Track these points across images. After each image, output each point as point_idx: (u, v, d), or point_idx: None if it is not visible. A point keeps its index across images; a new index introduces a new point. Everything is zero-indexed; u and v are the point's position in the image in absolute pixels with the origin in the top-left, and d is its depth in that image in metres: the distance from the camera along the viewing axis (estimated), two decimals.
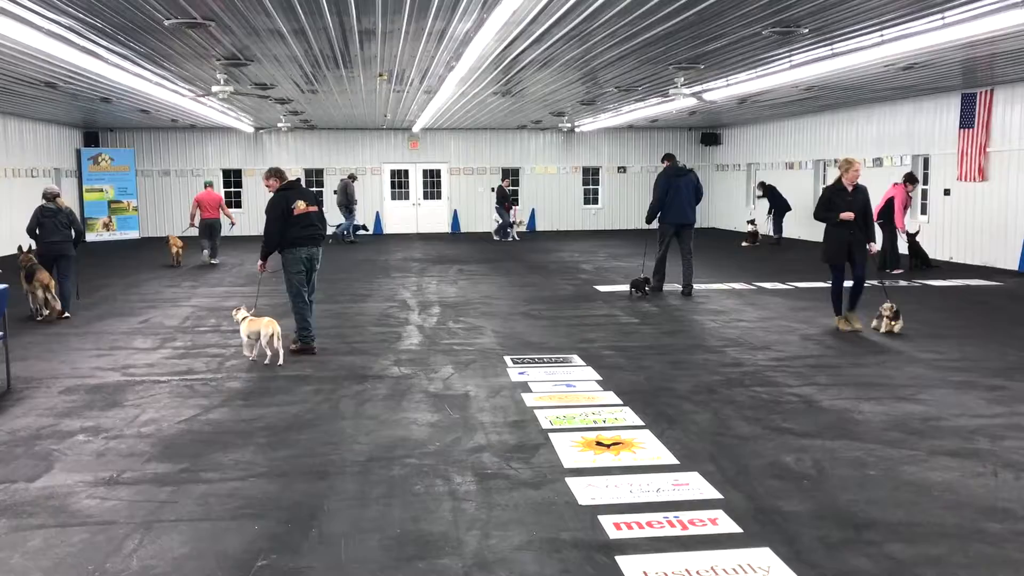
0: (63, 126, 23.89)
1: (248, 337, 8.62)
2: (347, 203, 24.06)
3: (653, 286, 13.33)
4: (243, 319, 8.70)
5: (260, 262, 9.15)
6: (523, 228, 26.67)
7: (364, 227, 26.13)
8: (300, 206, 8.90)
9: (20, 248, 11.83)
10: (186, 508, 4.80)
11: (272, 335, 8.47)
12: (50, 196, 11.53)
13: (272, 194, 9.05)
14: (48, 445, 5.97)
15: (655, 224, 13.35)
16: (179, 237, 19.17)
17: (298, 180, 9.76)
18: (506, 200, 25.04)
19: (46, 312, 11.04)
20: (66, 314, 11.23)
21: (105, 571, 4.03)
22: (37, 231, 11.33)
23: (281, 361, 8.49)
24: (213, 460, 5.63)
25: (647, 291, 13.07)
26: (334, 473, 5.37)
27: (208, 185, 20.23)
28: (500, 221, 25.13)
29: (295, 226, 8.86)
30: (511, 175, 28.31)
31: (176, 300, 13.00)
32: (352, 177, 24.60)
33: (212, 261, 18.51)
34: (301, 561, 4.12)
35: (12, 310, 9.26)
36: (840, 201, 9.77)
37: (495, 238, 24.91)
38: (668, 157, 13.76)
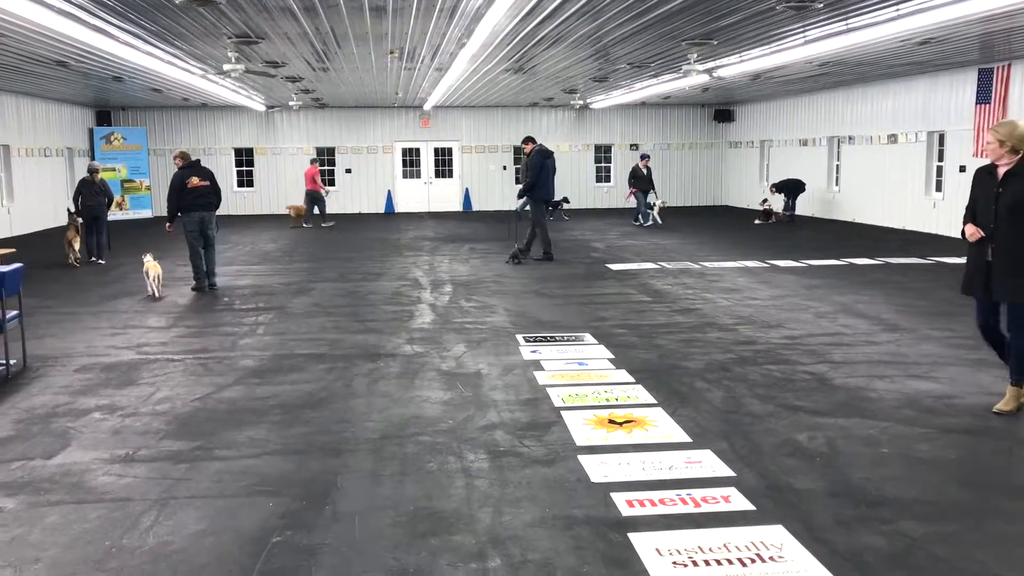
0: (75, 105, 23.92)
1: (145, 275, 11.48)
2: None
3: (547, 252, 14.77)
4: (146, 261, 11.53)
5: (168, 223, 11.95)
6: (665, 205, 23.34)
7: (565, 199, 24.14)
8: (194, 181, 11.58)
9: (68, 211, 15.29)
10: (201, 485, 4.84)
11: (155, 276, 11.34)
12: (90, 171, 15.39)
13: (176, 170, 11.71)
14: (64, 423, 6.02)
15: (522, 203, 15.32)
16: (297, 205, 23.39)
17: (197, 160, 12.18)
18: (639, 180, 21.84)
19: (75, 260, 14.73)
20: (100, 260, 14.91)
21: (122, 547, 4.07)
22: (80, 198, 15.05)
23: (157, 295, 11.28)
24: (227, 438, 5.66)
25: (521, 260, 14.51)
26: (348, 451, 5.39)
27: (313, 162, 23.29)
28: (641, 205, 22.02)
29: (189, 196, 11.55)
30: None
31: (189, 279, 13.02)
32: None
33: (323, 225, 22.24)
34: (315, 538, 4.15)
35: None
36: (981, 193, 6.14)
37: (634, 223, 21.93)
38: (531, 139, 15.12)
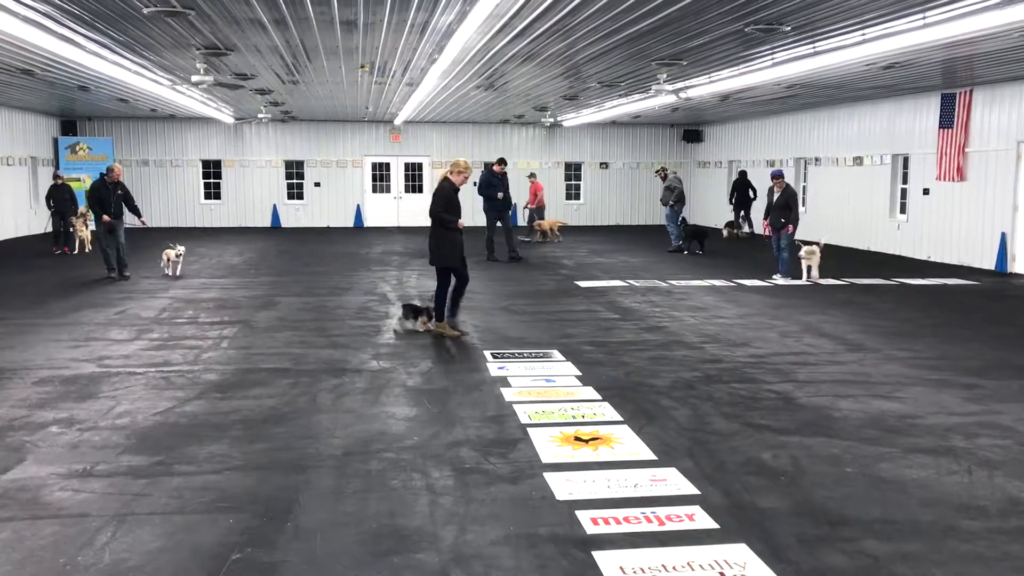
0: (40, 114, 23.61)
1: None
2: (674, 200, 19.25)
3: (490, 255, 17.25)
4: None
5: (105, 217, 14.03)
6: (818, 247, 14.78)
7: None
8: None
9: (80, 211, 18.82)
10: (160, 501, 4.75)
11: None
12: (55, 178, 19.52)
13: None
14: (21, 436, 5.90)
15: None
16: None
17: (118, 180, 14.67)
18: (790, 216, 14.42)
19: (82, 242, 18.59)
20: (66, 250, 18.45)
21: (77, 564, 3.98)
22: (50, 200, 18.99)
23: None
24: (188, 453, 5.57)
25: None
26: (311, 467, 5.33)
27: (531, 176, 23.90)
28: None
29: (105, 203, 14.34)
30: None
31: (153, 292, 12.88)
32: (670, 174, 19.89)
33: (523, 239, 22.13)
34: (276, 555, 4.09)
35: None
36: None
37: (805, 281, 14.21)
38: (501, 161, 17.89)
